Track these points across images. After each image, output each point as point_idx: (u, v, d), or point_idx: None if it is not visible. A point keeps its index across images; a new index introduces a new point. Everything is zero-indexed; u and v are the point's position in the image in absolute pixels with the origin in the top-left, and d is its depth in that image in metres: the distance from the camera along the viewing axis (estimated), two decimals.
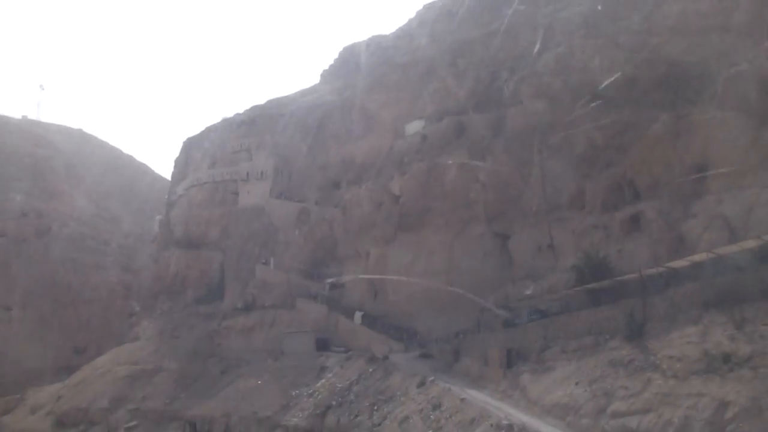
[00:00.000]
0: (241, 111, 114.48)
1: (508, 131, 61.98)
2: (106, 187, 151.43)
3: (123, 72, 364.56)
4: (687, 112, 45.00)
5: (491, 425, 33.73)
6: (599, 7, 57.29)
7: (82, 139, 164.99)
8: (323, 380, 60.84)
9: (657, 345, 31.14)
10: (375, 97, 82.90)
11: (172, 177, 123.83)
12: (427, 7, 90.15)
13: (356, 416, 49.79)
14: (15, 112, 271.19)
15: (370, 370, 56.95)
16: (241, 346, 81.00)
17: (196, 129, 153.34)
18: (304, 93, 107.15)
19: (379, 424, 45.50)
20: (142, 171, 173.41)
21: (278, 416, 59.27)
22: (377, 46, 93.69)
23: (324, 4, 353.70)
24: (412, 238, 66.82)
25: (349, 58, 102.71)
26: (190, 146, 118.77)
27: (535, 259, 57.15)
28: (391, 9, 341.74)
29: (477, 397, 40.63)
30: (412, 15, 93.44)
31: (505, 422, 33.16)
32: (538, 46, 59.96)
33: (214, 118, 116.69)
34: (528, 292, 51.92)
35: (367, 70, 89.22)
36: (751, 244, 32.44)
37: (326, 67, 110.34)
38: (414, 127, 74.88)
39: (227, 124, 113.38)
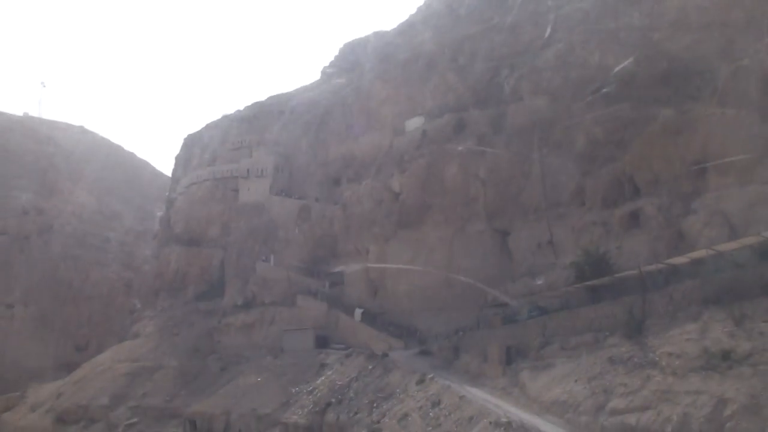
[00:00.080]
0: (241, 107, 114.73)
1: (508, 127, 61.82)
2: (107, 183, 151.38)
3: (124, 69, 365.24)
4: (688, 108, 44.83)
5: (490, 423, 33.49)
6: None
7: (83, 135, 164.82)
8: (323, 377, 60.76)
9: (656, 342, 31.00)
10: (376, 94, 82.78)
11: (172, 174, 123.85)
12: (428, 4, 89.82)
13: (356, 413, 49.67)
14: (16, 109, 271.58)
15: (370, 367, 56.77)
16: (241, 343, 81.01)
17: (197, 125, 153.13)
18: (304, 89, 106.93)
19: (379, 422, 45.27)
20: (143, 168, 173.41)
21: (278, 413, 59.28)
22: (378, 42, 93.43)
23: (325, 0, 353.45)
24: (412, 235, 66.77)
25: (350, 55, 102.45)
26: (191, 143, 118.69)
27: (535, 256, 57.03)
28: (392, 5, 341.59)
29: (476, 394, 40.42)
30: (414, 11, 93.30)
31: (503, 420, 32.92)
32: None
33: (215, 115, 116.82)
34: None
35: (368, 67, 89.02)
36: (750, 240, 32.35)
37: (327, 64, 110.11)
38: (414, 123, 74.73)
39: (228, 120, 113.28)
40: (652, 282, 36.89)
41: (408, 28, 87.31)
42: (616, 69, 49.81)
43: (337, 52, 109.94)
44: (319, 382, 60.29)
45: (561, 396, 33.15)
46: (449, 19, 79.04)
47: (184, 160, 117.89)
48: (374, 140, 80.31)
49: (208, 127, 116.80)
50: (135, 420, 73.48)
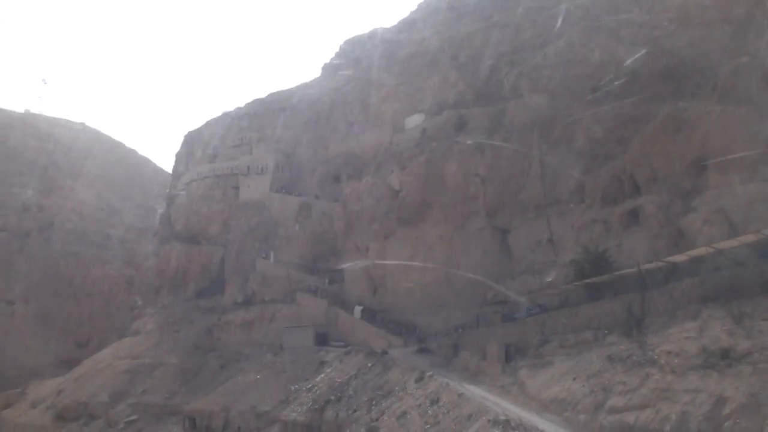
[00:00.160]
0: (242, 104, 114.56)
1: (508, 125, 61.65)
2: (108, 180, 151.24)
3: (125, 66, 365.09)
4: (688, 105, 44.62)
5: (488, 421, 33.45)
6: None
7: (84, 132, 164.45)
8: (322, 375, 60.81)
9: (655, 340, 30.97)
10: (376, 91, 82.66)
11: (173, 171, 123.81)
12: (429, 1, 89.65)
13: (354, 411, 49.72)
14: (17, 105, 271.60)
15: (369, 364, 56.79)
16: (241, 340, 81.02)
17: (198, 122, 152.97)
18: (305, 86, 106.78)
19: (377, 419, 45.28)
20: (144, 164, 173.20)
21: (277, 411, 59.35)
22: (379, 39, 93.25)
23: None
24: (411, 232, 66.64)
25: (351, 52, 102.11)
26: (191, 140, 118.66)
27: (534, 254, 56.93)
28: (394, 2, 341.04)
29: (475, 392, 40.38)
30: (415, 8, 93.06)
31: (502, 418, 32.92)
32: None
33: (216, 112, 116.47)
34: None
35: (369, 64, 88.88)
36: (750, 238, 32.22)
37: (328, 61, 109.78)
38: (414, 120, 74.63)
39: (228, 117, 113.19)
40: (651, 280, 36.78)
41: (409, 25, 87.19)
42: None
43: (338, 49, 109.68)
44: (318, 379, 60.32)
45: (560, 394, 33.12)
46: (450, 16, 78.91)
47: (184, 157, 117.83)
48: (375, 137, 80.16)
49: (209, 124, 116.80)
50: (135, 417, 73.60)
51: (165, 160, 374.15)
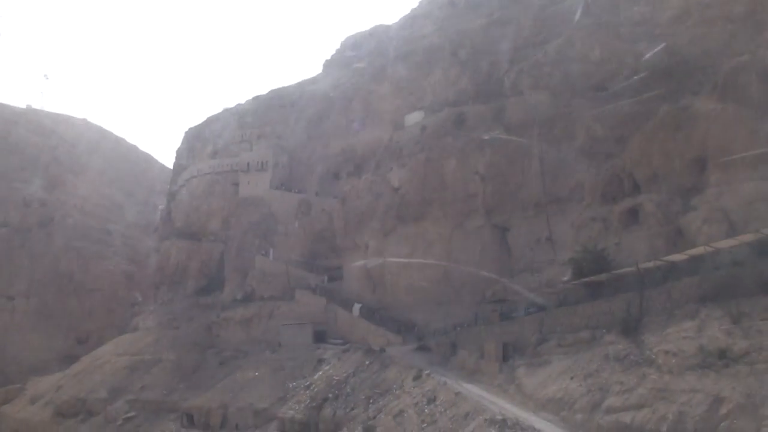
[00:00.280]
0: (243, 101, 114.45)
1: (508, 122, 61.42)
2: (110, 176, 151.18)
3: (127, 61, 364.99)
4: (688, 103, 44.41)
5: (485, 420, 33.44)
6: None
7: (86, 128, 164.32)
8: (320, 372, 60.68)
9: (653, 339, 30.83)
10: (376, 88, 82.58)
11: (173, 167, 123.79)
12: None
13: (352, 409, 49.67)
14: (19, 101, 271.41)
15: (367, 362, 56.69)
16: (240, 337, 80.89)
17: (199, 119, 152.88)
18: (305, 83, 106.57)
19: (374, 418, 45.25)
20: (146, 161, 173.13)
21: (275, 408, 59.29)
22: (379, 36, 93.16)
23: None
24: (410, 230, 66.39)
25: (351, 49, 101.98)
26: (192, 136, 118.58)
27: (534, 252, 56.82)
28: None
29: (472, 390, 40.32)
30: (416, 5, 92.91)
31: (499, 417, 32.92)
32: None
33: (217, 108, 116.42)
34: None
35: (369, 61, 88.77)
36: (749, 238, 32.07)
37: (329, 58, 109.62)
38: (414, 117, 74.41)
39: (228, 114, 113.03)
40: (650, 279, 36.58)
41: (410, 22, 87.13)
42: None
43: (338, 46, 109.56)
44: (316, 377, 60.22)
45: (557, 393, 33.03)
46: (451, 13, 78.84)
47: (185, 154, 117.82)
48: (374, 134, 80.00)
49: (209, 121, 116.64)
50: (133, 414, 73.52)
51: (167, 156, 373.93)
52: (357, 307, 70.30)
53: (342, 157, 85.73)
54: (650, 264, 37.18)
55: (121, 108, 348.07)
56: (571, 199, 54.42)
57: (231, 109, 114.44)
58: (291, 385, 61.54)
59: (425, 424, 38.73)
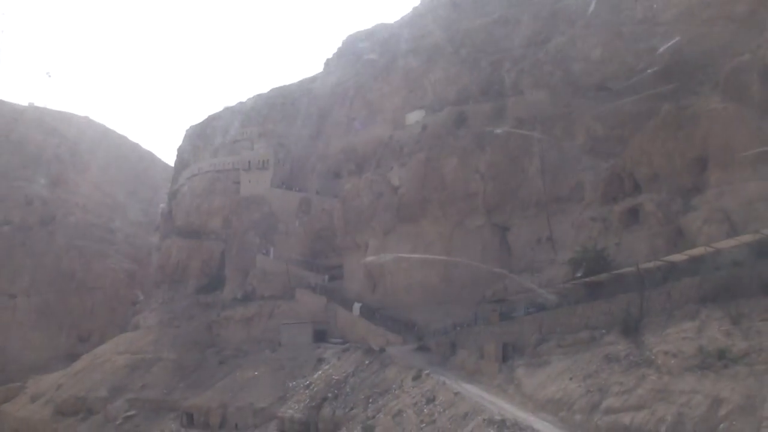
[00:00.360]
0: (244, 100, 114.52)
1: (508, 121, 61.21)
2: (112, 175, 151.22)
3: (130, 60, 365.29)
4: (689, 103, 44.27)
5: (484, 420, 33.36)
6: None
7: (88, 126, 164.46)
8: (320, 372, 60.55)
9: (653, 340, 30.71)
10: (377, 86, 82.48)
11: (175, 165, 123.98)
12: None
13: (351, 409, 49.55)
14: (22, 99, 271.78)
15: (367, 362, 56.55)
16: (240, 336, 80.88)
17: (201, 117, 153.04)
18: (306, 82, 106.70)
19: (374, 417, 45.11)
20: (148, 159, 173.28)
21: (274, 407, 59.21)
22: (381, 34, 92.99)
23: None
24: (410, 229, 66.19)
25: (352, 47, 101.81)
26: (194, 135, 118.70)
27: (534, 252, 56.64)
28: None
29: (471, 391, 40.16)
30: (417, 3, 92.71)
31: (497, 417, 32.83)
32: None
33: (218, 107, 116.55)
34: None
35: (370, 59, 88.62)
36: (749, 238, 31.95)
37: (330, 56, 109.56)
38: (414, 116, 74.26)
39: (230, 112, 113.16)
40: (650, 279, 36.46)
41: (410, 21, 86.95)
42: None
43: (340, 45, 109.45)
44: (316, 376, 60.10)
45: (556, 394, 32.89)
46: (452, 12, 78.55)
47: (186, 152, 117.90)
48: (375, 133, 79.86)
49: (211, 119, 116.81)
50: (133, 412, 73.49)
51: (169, 154, 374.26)
52: (357, 306, 70.11)
53: (343, 155, 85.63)
54: (650, 264, 37.09)
55: (124, 106, 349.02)
56: (572, 199, 54.26)
57: (232, 107, 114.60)
58: (291, 385, 61.42)
59: (424, 424, 38.62)
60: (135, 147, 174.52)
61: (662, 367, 28.07)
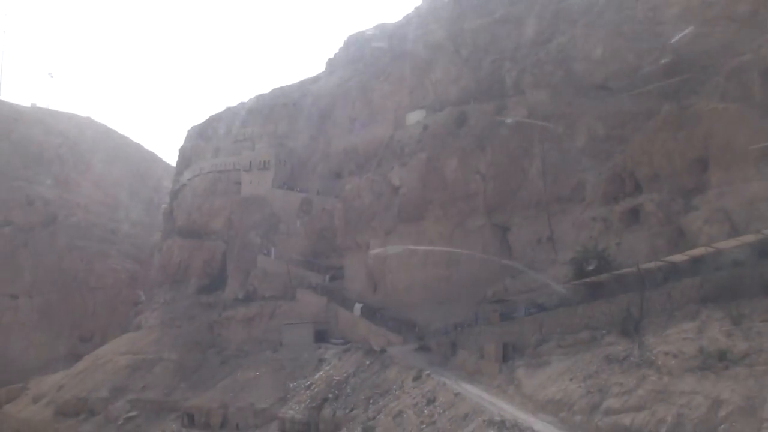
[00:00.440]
0: (245, 100, 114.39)
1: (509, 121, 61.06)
2: (114, 175, 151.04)
3: (132, 60, 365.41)
4: (690, 102, 44.13)
5: (484, 421, 33.41)
6: None
7: (90, 126, 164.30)
8: (321, 372, 60.58)
9: (653, 340, 30.72)
10: (378, 86, 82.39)
11: (176, 166, 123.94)
12: None
13: (352, 410, 49.59)
14: (24, 99, 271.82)
15: (368, 362, 56.62)
16: (241, 336, 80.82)
17: (203, 117, 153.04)
18: (308, 82, 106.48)
19: (374, 418, 45.17)
20: (151, 159, 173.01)
21: (275, 408, 59.28)
22: (382, 34, 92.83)
23: None
24: (411, 229, 66.07)
25: (353, 47, 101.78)
26: (195, 135, 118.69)
27: (535, 252, 56.48)
28: None
29: (472, 391, 40.19)
30: (419, 3, 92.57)
31: (497, 418, 32.87)
32: None
33: (219, 107, 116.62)
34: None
35: (371, 59, 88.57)
36: (750, 238, 31.88)
37: (332, 56, 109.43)
38: (415, 116, 74.10)
39: (231, 113, 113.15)
40: (650, 280, 36.43)
41: (411, 21, 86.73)
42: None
43: (342, 45, 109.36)
44: (316, 377, 60.13)
45: (556, 395, 32.89)
46: (454, 11, 78.33)
47: (187, 153, 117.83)
48: (376, 133, 79.73)
49: (212, 120, 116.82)
50: (134, 413, 73.49)
51: (171, 154, 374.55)
52: (358, 306, 70.04)
53: (344, 156, 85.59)
54: (651, 264, 37.08)
55: (126, 106, 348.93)
56: (573, 199, 54.11)
57: (234, 108, 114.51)
58: (291, 385, 61.45)
59: (424, 425, 38.66)
60: (137, 147, 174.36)
61: (662, 367, 28.07)
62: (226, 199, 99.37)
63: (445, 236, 64.04)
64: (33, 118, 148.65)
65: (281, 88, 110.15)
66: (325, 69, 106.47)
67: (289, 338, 72.77)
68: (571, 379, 32.98)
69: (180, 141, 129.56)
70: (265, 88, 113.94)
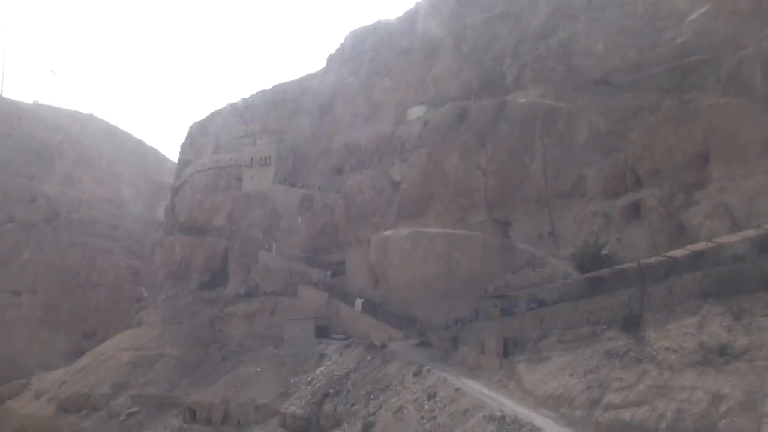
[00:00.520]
0: (247, 96, 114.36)
1: (510, 116, 60.95)
2: (116, 171, 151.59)
3: (133, 57, 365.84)
4: (691, 97, 43.90)
5: (484, 416, 33.30)
6: None
7: (92, 123, 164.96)
8: (322, 368, 60.61)
9: (653, 336, 30.52)
10: (379, 82, 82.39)
11: (178, 162, 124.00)
12: None
13: (353, 405, 49.54)
14: (26, 96, 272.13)
15: (369, 358, 56.58)
16: (243, 332, 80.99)
17: (204, 114, 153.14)
18: (309, 78, 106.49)
19: (375, 413, 45.05)
20: (153, 156, 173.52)
21: (276, 403, 59.35)
22: (382, 30, 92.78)
23: None
24: (412, 225, 66.01)
25: (354, 43, 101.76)
26: (196, 131, 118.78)
27: (536, 247, 56.34)
28: None
29: (472, 386, 40.11)
30: None
31: (498, 413, 32.73)
32: None
33: (221, 104, 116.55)
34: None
35: (372, 55, 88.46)
36: (751, 233, 31.66)
37: (333, 52, 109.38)
38: (416, 112, 74.09)
39: (232, 109, 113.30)
40: (651, 274, 36.18)
41: (413, 17, 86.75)
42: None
43: (342, 41, 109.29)
44: (317, 372, 60.14)
45: (556, 390, 32.76)
46: (454, 7, 78.36)
47: (189, 149, 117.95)
48: (377, 129, 79.80)
49: (213, 116, 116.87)
50: (136, 409, 73.70)
51: (172, 150, 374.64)
52: (359, 302, 70.08)
53: (345, 151, 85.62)
54: (651, 259, 36.86)
55: (128, 103, 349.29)
56: (574, 194, 53.99)
57: (235, 104, 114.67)
58: (293, 381, 61.53)
59: (424, 421, 38.56)
60: (139, 143, 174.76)
61: (663, 362, 27.89)
62: (228, 195, 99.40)
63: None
64: (35, 115, 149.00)
65: (282, 84, 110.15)
66: (326, 65, 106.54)
67: (290, 334, 72.86)
68: (571, 375, 32.83)
69: (181, 137, 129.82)
70: (267, 84, 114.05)
